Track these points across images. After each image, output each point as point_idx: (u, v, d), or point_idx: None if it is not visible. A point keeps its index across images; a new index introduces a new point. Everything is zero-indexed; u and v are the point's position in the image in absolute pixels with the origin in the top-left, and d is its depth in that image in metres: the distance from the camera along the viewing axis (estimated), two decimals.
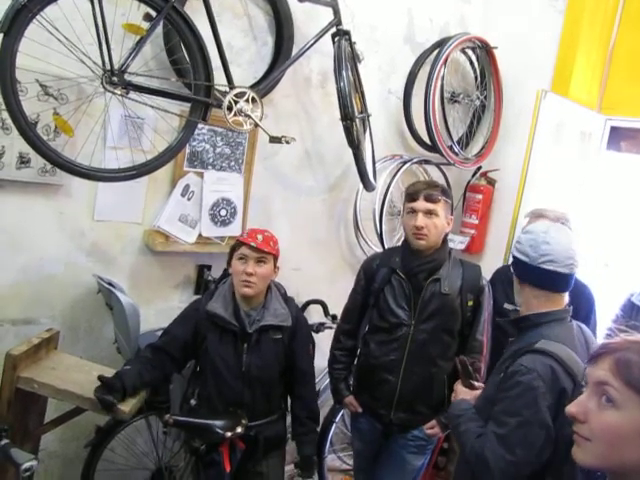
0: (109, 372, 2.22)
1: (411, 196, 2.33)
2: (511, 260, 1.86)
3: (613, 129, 3.50)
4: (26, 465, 1.73)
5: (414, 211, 2.30)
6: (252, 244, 2.16)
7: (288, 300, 2.35)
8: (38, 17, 1.90)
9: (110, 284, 2.46)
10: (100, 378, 2.01)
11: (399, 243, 2.55)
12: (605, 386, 1.04)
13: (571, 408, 1.10)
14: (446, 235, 2.42)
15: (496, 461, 1.60)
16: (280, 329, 2.25)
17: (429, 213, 2.29)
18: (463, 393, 1.96)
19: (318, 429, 2.41)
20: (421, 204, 2.29)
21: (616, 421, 1.02)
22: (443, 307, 2.31)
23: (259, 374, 2.22)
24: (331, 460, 3.42)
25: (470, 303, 2.35)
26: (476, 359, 2.23)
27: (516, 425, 1.58)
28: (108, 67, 2.07)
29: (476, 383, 1.97)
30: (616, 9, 3.39)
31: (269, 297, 2.28)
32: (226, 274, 2.35)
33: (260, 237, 2.19)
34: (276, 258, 2.25)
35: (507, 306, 2.73)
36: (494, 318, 2.58)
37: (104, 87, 2.10)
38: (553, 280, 1.75)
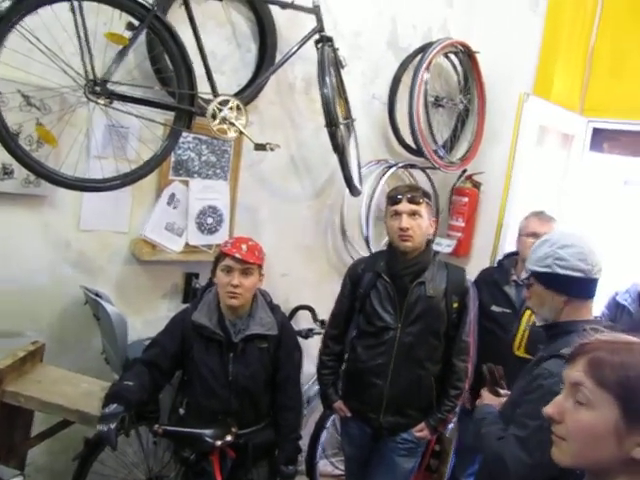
0: (97, 384, 2.21)
1: (393, 199, 2.34)
2: (534, 281, 1.81)
3: (595, 131, 3.54)
4: None
5: (398, 213, 2.32)
6: (237, 255, 2.14)
7: (274, 308, 2.34)
8: (18, 27, 1.89)
9: (97, 295, 2.44)
10: (107, 397, 1.98)
11: (386, 247, 2.56)
12: (579, 386, 1.07)
13: (548, 409, 1.13)
14: (431, 238, 2.43)
15: (514, 463, 1.61)
16: (266, 338, 2.24)
17: (413, 214, 2.30)
18: (488, 399, 1.96)
19: (300, 440, 2.39)
20: (405, 206, 2.30)
21: (589, 421, 1.04)
22: (429, 310, 2.32)
23: (246, 383, 2.21)
24: (323, 465, 3.41)
25: (455, 305, 2.36)
26: (498, 368, 2.20)
27: (536, 428, 1.57)
28: (91, 77, 2.06)
29: (501, 391, 1.98)
30: (595, 12, 3.43)
31: (255, 306, 2.27)
32: (211, 283, 2.34)
33: (244, 247, 2.17)
34: (261, 267, 2.24)
35: (495, 308, 2.75)
36: (479, 320, 2.60)
37: (87, 97, 2.10)
38: (594, 288, 1.76)
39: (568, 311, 1.75)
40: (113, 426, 1.89)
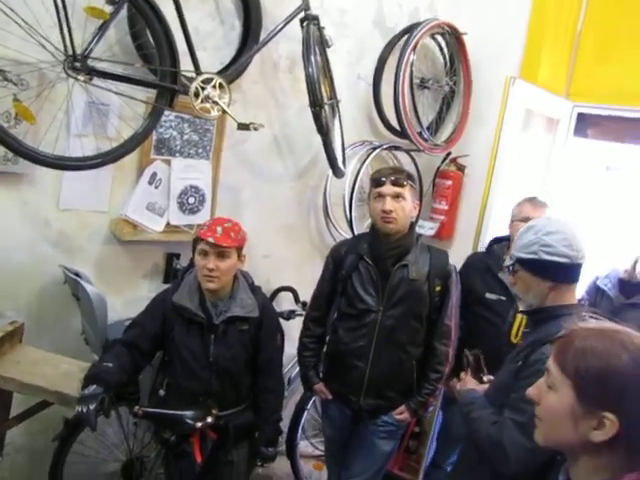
0: (77, 365, 2.19)
1: (377, 181, 2.33)
2: (511, 261, 1.83)
3: (580, 116, 3.54)
4: None
5: (381, 195, 2.31)
6: (210, 240, 2.11)
7: (255, 290, 2.33)
8: None
9: (76, 274, 2.42)
10: (86, 378, 1.97)
11: (368, 230, 2.56)
12: (549, 371, 1.13)
13: (530, 391, 1.19)
14: (414, 221, 2.43)
15: (514, 448, 1.63)
16: (247, 320, 2.23)
17: (396, 197, 2.29)
18: (472, 384, 1.98)
19: (280, 421, 2.40)
20: (388, 188, 2.29)
21: (552, 403, 1.11)
22: (411, 293, 2.33)
23: (227, 365, 2.21)
24: (303, 446, 3.43)
25: (438, 288, 2.36)
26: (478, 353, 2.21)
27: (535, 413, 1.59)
28: (70, 52, 2.02)
29: (484, 377, 2.00)
30: None
31: (236, 287, 2.26)
32: (192, 264, 2.32)
33: (219, 230, 2.14)
34: (240, 248, 2.21)
35: (489, 296, 2.72)
36: (469, 306, 2.61)
37: (66, 73, 2.05)
38: (578, 273, 1.79)
39: (553, 296, 1.78)
40: (92, 407, 1.87)
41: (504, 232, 2.89)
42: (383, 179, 2.31)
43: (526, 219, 2.66)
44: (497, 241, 2.91)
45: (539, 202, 2.77)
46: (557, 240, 1.73)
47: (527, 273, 1.80)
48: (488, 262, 2.80)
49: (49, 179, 2.42)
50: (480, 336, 2.58)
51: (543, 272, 1.76)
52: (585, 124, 3.54)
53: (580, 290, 3.06)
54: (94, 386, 1.94)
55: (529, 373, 1.67)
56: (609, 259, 3.25)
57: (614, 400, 1.02)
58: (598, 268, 3.13)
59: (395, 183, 2.30)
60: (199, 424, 2.11)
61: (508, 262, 1.87)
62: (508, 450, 1.64)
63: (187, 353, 2.20)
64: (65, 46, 2.00)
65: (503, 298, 2.69)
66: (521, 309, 1.93)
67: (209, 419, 2.13)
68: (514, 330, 2.66)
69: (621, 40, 3.27)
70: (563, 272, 1.75)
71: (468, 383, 2.00)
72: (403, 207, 2.30)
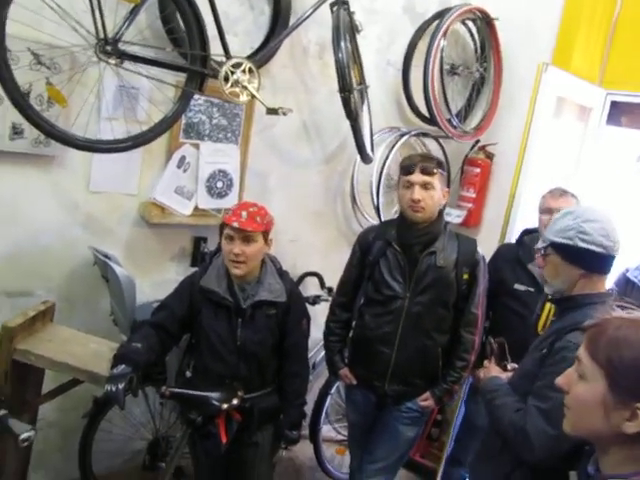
0: (105, 344, 2.23)
1: (407, 169, 2.31)
2: (544, 244, 1.80)
3: (614, 104, 3.47)
4: (24, 435, 1.77)
5: (410, 184, 2.29)
6: (234, 224, 2.11)
7: (283, 275, 2.33)
8: None
9: (106, 256, 2.45)
10: (115, 357, 1.99)
11: (396, 216, 2.55)
12: (579, 360, 1.12)
13: (558, 379, 1.18)
14: (442, 208, 2.41)
15: (538, 435, 1.62)
16: (274, 304, 2.24)
17: (425, 186, 2.27)
18: (496, 371, 1.98)
19: (304, 405, 2.41)
20: (417, 177, 2.28)
21: (582, 392, 1.10)
22: (438, 280, 2.32)
23: (254, 348, 2.22)
24: (326, 431, 3.46)
25: (465, 276, 2.35)
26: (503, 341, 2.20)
27: (560, 400, 1.58)
28: (102, 36, 2.03)
29: (508, 365, 1.99)
30: None
31: (263, 271, 2.26)
32: (220, 248, 2.33)
33: (245, 214, 2.13)
34: (266, 232, 2.21)
35: (518, 287, 2.70)
36: (497, 296, 2.58)
37: (98, 56, 2.07)
38: (611, 265, 1.77)
39: (583, 284, 1.75)
40: (121, 386, 1.90)
41: (533, 222, 2.85)
42: (412, 167, 2.29)
43: (548, 210, 2.65)
44: (528, 232, 2.87)
45: (558, 191, 2.73)
46: (595, 229, 1.70)
47: (559, 258, 1.77)
48: (519, 253, 2.78)
49: (79, 162, 2.46)
50: (507, 327, 2.56)
51: (576, 259, 1.74)
52: (619, 112, 3.46)
53: (609, 282, 3.02)
54: (123, 366, 1.97)
55: (554, 361, 1.65)
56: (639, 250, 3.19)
57: None
58: (628, 259, 3.08)
59: (424, 171, 2.28)
60: (225, 406, 2.12)
61: (540, 245, 1.84)
62: (532, 437, 1.63)
63: (214, 336, 2.21)
64: (97, 30, 2.02)
65: (531, 289, 2.67)
66: (547, 293, 1.90)
67: (235, 401, 2.14)
68: (541, 322, 2.63)
69: None
70: (597, 261, 1.73)
71: (492, 370, 1.99)
72: (432, 196, 2.29)
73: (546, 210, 2.68)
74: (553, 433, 1.59)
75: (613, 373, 1.03)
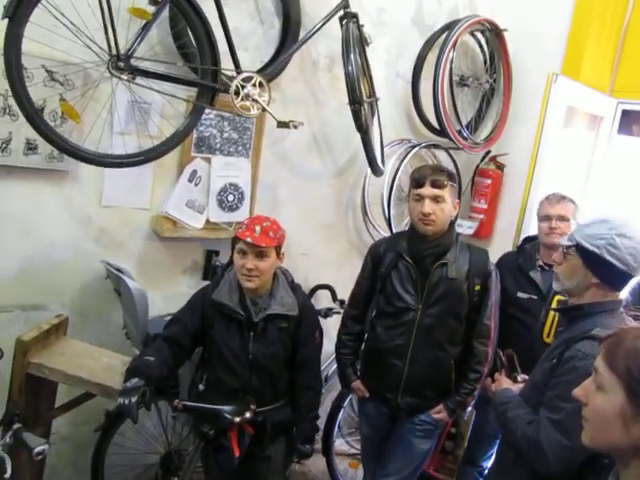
0: (118, 358, 2.24)
1: (417, 182, 2.31)
2: (581, 251, 1.76)
3: (625, 112, 3.46)
4: (38, 449, 1.77)
5: (421, 197, 2.29)
6: (248, 240, 2.11)
7: (295, 288, 2.33)
8: (43, 1, 1.89)
9: (118, 270, 2.46)
10: (128, 371, 2.00)
11: (407, 228, 2.55)
12: (597, 371, 1.10)
13: (576, 391, 1.16)
14: (453, 219, 2.40)
15: (551, 446, 1.60)
16: (286, 318, 2.23)
17: (436, 199, 2.27)
18: (507, 383, 1.97)
19: (317, 419, 2.40)
20: (428, 190, 2.27)
21: (600, 404, 1.07)
22: (450, 292, 2.31)
23: (266, 362, 2.22)
24: (339, 445, 3.44)
25: (477, 288, 2.34)
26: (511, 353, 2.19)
27: (572, 410, 1.55)
28: (114, 52, 2.05)
29: (519, 377, 1.98)
30: None
31: (275, 285, 2.26)
32: (232, 262, 2.34)
33: (258, 229, 2.13)
34: (279, 246, 2.21)
35: (521, 295, 2.70)
36: (505, 307, 2.57)
37: (110, 72, 2.09)
38: (626, 284, 1.75)
39: (594, 292, 1.74)
40: (134, 400, 1.91)
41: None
42: (423, 180, 2.29)
43: (547, 217, 2.66)
44: (529, 240, 2.87)
45: (555, 197, 2.72)
46: (626, 246, 1.67)
47: (580, 261, 1.75)
48: (519, 261, 2.77)
49: (92, 176, 2.48)
50: (512, 335, 2.55)
51: (597, 268, 1.72)
52: (630, 120, 3.45)
53: (624, 292, 2.99)
54: (136, 379, 1.97)
55: (564, 370, 1.64)
56: None
57: None
58: None
59: (435, 184, 2.27)
60: (237, 419, 2.12)
61: (565, 242, 1.82)
62: (546, 449, 1.61)
63: (226, 350, 2.21)
64: (109, 46, 2.04)
65: (534, 297, 2.66)
66: (554, 287, 1.89)
67: (247, 414, 2.14)
68: (546, 329, 2.63)
69: None
70: (616, 277, 1.72)
71: (503, 383, 1.98)
72: (442, 209, 2.28)
73: (544, 217, 2.69)
74: (567, 444, 1.58)
75: (632, 384, 1.02)
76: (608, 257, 1.68)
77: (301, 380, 2.33)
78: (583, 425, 1.13)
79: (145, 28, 2.13)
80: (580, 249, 1.75)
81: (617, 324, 1.65)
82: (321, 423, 2.70)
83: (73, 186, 2.47)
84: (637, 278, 1.70)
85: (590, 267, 1.73)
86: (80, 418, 2.64)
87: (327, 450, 3.28)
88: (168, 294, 2.80)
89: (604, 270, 1.71)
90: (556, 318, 2.58)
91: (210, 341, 2.25)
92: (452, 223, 2.39)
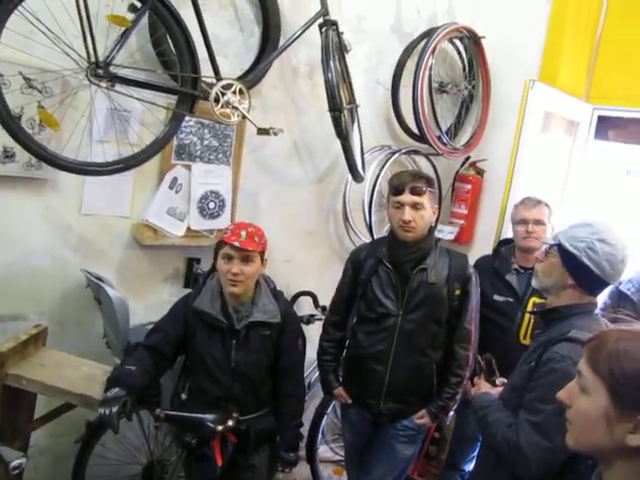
0: (99, 367, 2.21)
1: (396, 189, 2.32)
2: (561, 251, 1.79)
3: (600, 118, 3.51)
4: (15, 463, 1.74)
5: (400, 205, 2.30)
6: (235, 244, 2.11)
7: (277, 295, 2.33)
8: (19, 8, 1.88)
9: (98, 278, 2.44)
10: (109, 380, 1.98)
11: (387, 233, 2.56)
12: (580, 373, 1.10)
13: (560, 393, 1.17)
14: (433, 225, 2.42)
15: (531, 449, 1.62)
16: (269, 325, 2.23)
17: (415, 206, 2.28)
18: (486, 387, 1.98)
19: (301, 427, 2.40)
20: (407, 197, 2.28)
21: (585, 406, 1.08)
22: (430, 296, 2.32)
23: (248, 370, 2.21)
24: (323, 451, 3.43)
25: (457, 292, 2.35)
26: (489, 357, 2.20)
27: (552, 412, 1.58)
28: (93, 59, 2.04)
29: (497, 381, 1.99)
30: None
31: (258, 292, 2.26)
32: (214, 269, 2.33)
33: (244, 234, 2.14)
34: (263, 252, 2.22)
35: (497, 298, 2.73)
36: (482, 310, 2.59)
37: (89, 80, 2.08)
38: (601, 290, 1.78)
39: (570, 294, 1.77)
40: (114, 410, 1.89)
41: None
42: (402, 187, 2.30)
43: (523, 221, 2.70)
44: (504, 243, 2.90)
45: (531, 201, 2.76)
46: (605, 251, 1.70)
47: (560, 261, 1.78)
48: (495, 264, 2.80)
49: (72, 184, 2.46)
50: (489, 338, 2.58)
51: (573, 270, 1.75)
52: (606, 126, 3.51)
53: (603, 295, 3.03)
54: (117, 389, 1.95)
55: (542, 373, 1.66)
56: (631, 263, 3.21)
57: None
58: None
59: (414, 192, 2.28)
60: (220, 427, 2.11)
61: (549, 240, 1.85)
62: (526, 451, 1.63)
63: (209, 358, 2.20)
64: (88, 53, 2.03)
65: (511, 300, 2.70)
66: (533, 284, 1.91)
67: (230, 422, 2.13)
68: (522, 331, 2.66)
69: None
70: (590, 281, 1.74)
71: (482, 387, 1.99)
72: (422, 216, 2.29)
73: (521, 221, 2.72)
74: (547, 445, 1.59)
75: (615, 385, 1.03)
76: (586, 260, 1.71)
77: (284, 388, 2.33)
78: (567, 427, 1.14)
79: (124, 35, 2.12)
80: (561, 249, 1.78)
81: (593, 326, 1.68)
82: (305, 430, 2.70)
83: (52, 194, 2.44)
84: (612, 285, 1.73)
85: (567, 268, 1.76)
86: (59, 430, 2.60)
87: (311, 457, 3.27)
88: (149, 302, 2.78)
89: (580, 273, 1.74)
90: (532, 320, 2.62)
91: (192, 349, 2.24)
92: (431, 228, 2.41)
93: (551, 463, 1.59)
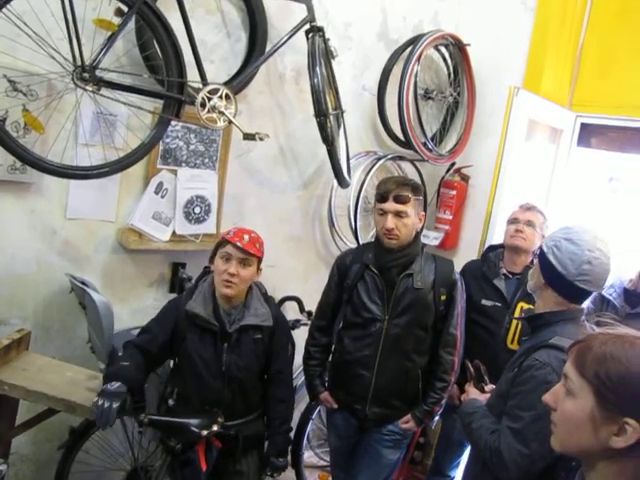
0: (83, 372, 2.20)
1: (381, 196, 2.33)
2: (539, 251, 1.84)
3: (583, 126, 3.56)
4: None
5: (384, 212, 2.31)
6: (238, 244, 2.12)
7: (268, 300, 2.33)
8: (5, 10, 1.87)
9: (83, 283, 2.42)
10: (107, 376, 1.98)
11: (373, 239, 2.57)
12: (567, 376, 1.12)
13: (545, 396, 1.18)
14: (419, 231, 2.43)
15: (511, 455, 1.62)
16: (260, 329, 2.23)
17: (399, 214, 2.29)
18: (474, 393, 1.99)
19: (290, 432, 2.39)
20: (391, 205, 2.29)
21: (570, 409, 1.09)
22: (416, 302, 2.33)
23: (239, 374, 2.20)
24: (308, 457, 3.43)
25: (443, 297, 2.36)
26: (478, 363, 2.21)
27: (531, 419, 1.60)
28: (79, 63, 2.04)
29: (486, 387, 2.00)
30: (584, 9, 3.44)
31: (250, 296, 2.26)
32: (206, 272, 2.32)
33: (247, 237, 2.16)
34: (260, 260, 2.23)
35: (485, 302, 2.74)
36: (470, 314, 2.61)
37: (75, 83, 2.07)
38: (581, 296, 1.77)
39: (554, 300, 1.78)
40: (115, 406, 1.87)
41: None
42: (386, 195, 2.31)
43: (514, 220, 2.75)
44: (492, 249, 2.92)
45: (528, 205, 2.80)
46: (569, 250, 1.72)
47: (537, 260, 1.83)
48: (484, 269, 2.81)
49: (57, 188, 2.44)
50: (477, 342, 2.60)
51: (542, 268, 1.79)
52: (588, 134, 3.55)
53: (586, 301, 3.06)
54: (118, 383, 1.94)
55: (523, 380, 1.67)
56: (613, 269, 3.24)
57: (635, 405, 1.01)
58: None
59: (398, 200, 2.29)
60: (205, 432, 2.10)
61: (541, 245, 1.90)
62: (505, 457, 1.64)
63: (200, 362, 2.19)
64: (74, 57, 2.03)
65: (499, 304, 2.71)
66: (513, 316, 1.95)
67: (215, 427, 2.12)
68: (510, 335, 2.67)
69: (623, 51, 3.30)
70: (555, 279, 1.76)
71: (470, 393, 2.01)
72: (405, 224, 2.30)
73: (512, 220, 2.76)
74: (525, 452, 1.60)
75: (601, 388, 1.04)
76: (551, 257, 1.75)
77: (274, 393, 2.33)
78: (552, 430, 1.16)
79: (110, 39, 2.12)
80: (540, 250, 1.82)
81: (577, 333, 1.70)
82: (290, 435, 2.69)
83: (37, 198, 2.42)
84: (578, 285, 1.73)
85: (540, 266, 1.80)
86: (41, 436, 2.58)
87: (296, 462, 3.26)
88: (134, 307, 2.77)
89: (547, 270, 1.77)
90: (520, 325, 2.63)
91: (183, 353, 2.23)
92: (417, 234, 2.42)
93: (529, 470, 1.61)
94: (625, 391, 1.02)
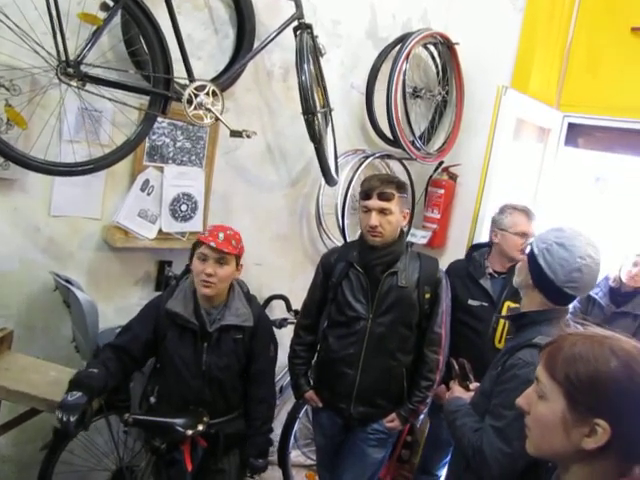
0: (66, 372, 2.17)
1: (365, 194, 2.33)
2: (529, 250, 1.82)
3: (571, 126, 3.57)
4: None
5: (368, 209, 2.30)
6: (212, 244, 2.11)
7: (250, 299, 2.32)
8: None
9: (67, 281, 2.39)
10: (70, 383, 1.95)
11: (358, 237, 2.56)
12: (538, 379, 1.11)
13: (518, 400, 1.17)
14: (403, 229, 2.43)
15: (493, 454, 1.63)
16: (241, 329, 2.22)
17: (383, 211, 2.29)
18: (459, 392, 1.99)
19: (271, 432, 2.38)
20: (374, 203, 2.29)
21: (543, 412, 1.09)
22: (400, 300, 2.33)
23: (219, 373, 2.19)
24: (295, 456, 3.41)
25: (427, 296, 2.36)
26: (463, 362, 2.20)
27: (513, 418, 1.59)
28: (63, 58, 2.01)
29: (471, 385, 2.00)
30: (572, 9, 3.45)
31: (231, 296, 2.25)
32: (188, 270, 2.31)
33: (221, 236, 2.14)
34: (239, 257, 2.21)
35: (472, 302, 2.73)
36: (457, 314, 2.60)
37: (59, 78, 2.04)
38: (567, 300, 1.77)
39: (539, 299, 1.78)
40: (73, 419, 1.86)
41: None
42: (370, 192, 2.31)
43: (524, 234, 2.63)
44: (477, 247, 2.91)
45: (532, 214, 2.75)
46: (560, 256, 1.71)
47: (526, 259, 1.82)
48: (469, 269, 2.80)
49: (40, 185, 2.41)
50: (464, 342, 2.60)
51: (532, 269, 1.78)
52: (576, 133, 3.56)
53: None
54: (79, 394, 1.91)
55: (506, 378, 1.68)
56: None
57: (605, 406, 1.01)
58: None
59: (381, 197, 2.29)
60: (190, 432, 2.09)
61: (530, 239, 1.89)
62: (487, 456, 1.64)
63: (179, 361, 2.18)
64: (58, 52, 2.00)
65: (485, 304, 2.71)
66: (499, 314, 1.94)
67: (200, 427, 2.11)
68: (497, 335, 2.67)
69: (610, 52, 3.31)
70: (543, 283, 1.75)
71: (455, 391, 2.01)
72: (389, 221, 2.30)
73: (523, 234, 2.65)
74: (508, 451, 1.61)
75: (571, 390, 1.04)
76: (541, 261, 1.74)
77: (255, 393, 2.31)
78: (527, 433, 1.15)
79: (96, 34, 2.09)
80: (530, 249, 1.81)
81: (560, 332, 1.70)
82: (277, 434, 2.69)
83: (20, 195, 2.39)
84: (566, 292, 1.72)
85: (529, 267, 1.79)
86: (23, 437, 2.54)
87: (283, 461, 3.24)
88: (119, 306, 2.74)
89: (536, 272, 1.76)
90: (507, 324, 2.63)
91: (163, 351, 2.21)
92: (402, 232, 2.42)
93: (511, 468, 1.61)
94: (595, 392, 1.02)
